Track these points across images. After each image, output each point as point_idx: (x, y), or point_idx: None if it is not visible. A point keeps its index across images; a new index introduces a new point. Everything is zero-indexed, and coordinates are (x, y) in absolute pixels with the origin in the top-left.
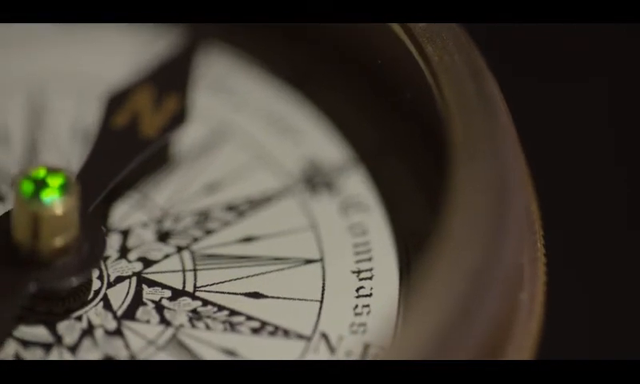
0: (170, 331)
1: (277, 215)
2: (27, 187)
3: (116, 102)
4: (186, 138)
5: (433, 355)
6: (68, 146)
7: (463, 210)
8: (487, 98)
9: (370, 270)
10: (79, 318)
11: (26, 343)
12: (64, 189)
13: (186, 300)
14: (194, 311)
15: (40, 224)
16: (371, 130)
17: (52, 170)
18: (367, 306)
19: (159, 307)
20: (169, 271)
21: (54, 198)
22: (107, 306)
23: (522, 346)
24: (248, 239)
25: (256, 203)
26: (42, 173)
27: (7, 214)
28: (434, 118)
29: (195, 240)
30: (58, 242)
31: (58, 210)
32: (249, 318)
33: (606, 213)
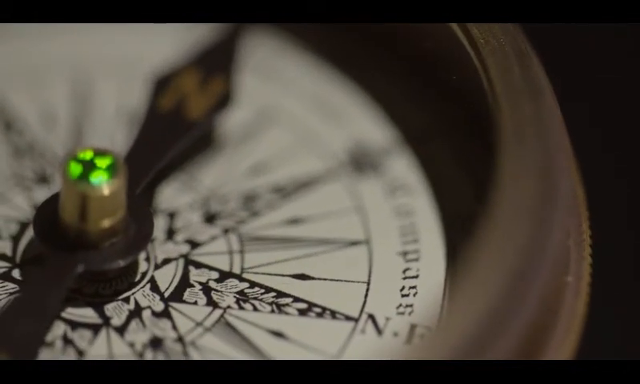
0: (217, 313)
1: (323, 197)
2: (75, 169)
3: (162, 84)
4: (232, 120)
5: (479, 336)
6: (113, 128)
7: (510, 193)
8: (533, 81)
9: (417, 251)
10: (127, 300)
11: (74, 324)
12: (112, 170)
13: (233, 281)
14: (242, 293)
15: (88, 206)
16: (417, 113)
17: (99, 152)
18: (414, 287)
19: (206, 289)
20: (216, 253)
21: (102, 180)
22: (154, 287)
23: (569, 328)
24: (294, 221)
25: (302, 185)
26: (89, 154)
27: (55, 197)
28: (480, 100)
29: (242, 222)
30: (106, 224)
31: (106, 191)
32: (296, 299)
33: None
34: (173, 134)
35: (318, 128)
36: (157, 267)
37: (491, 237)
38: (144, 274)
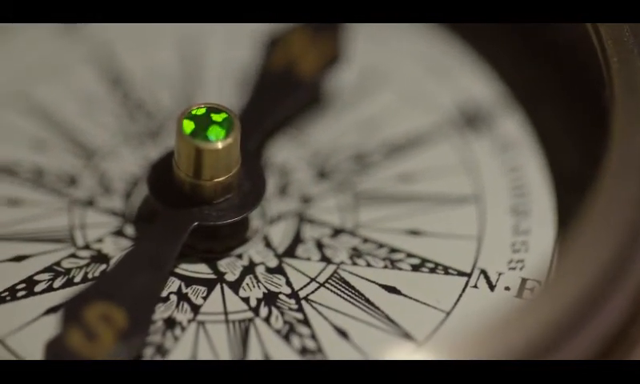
0: (330, 268)
1: (433, 153)
2: (189, 125)
3: (273, 44)
4: (341, 79)
5: (589, 292)
6: (225, 86)
7: (623, 148)
8: None
9: (527, 208)
10: (240, 256)
11: (188, 280)
12: (227, 126)
13: (346, 237)
14: (355, 248)
15: (203, 161)
16: (528, 72)
17: (214, 109)
18: (525, 242)
19: (319, 245)
20: (328, 209)
21: (217, 135)
22: (268, 243)
23: None
24: (405, 177)
25: (412, 142)
26: (203, 111)
27: (168, 155)
28: (590, 59)
29: (353, 178)
30: (220, 179)
31: (221, 147)
32: (409, 255)
33: None
34: (284, 92)
35: (428, 86)
36: (270, 223)
37: (604, 192)
38: (257, 230)
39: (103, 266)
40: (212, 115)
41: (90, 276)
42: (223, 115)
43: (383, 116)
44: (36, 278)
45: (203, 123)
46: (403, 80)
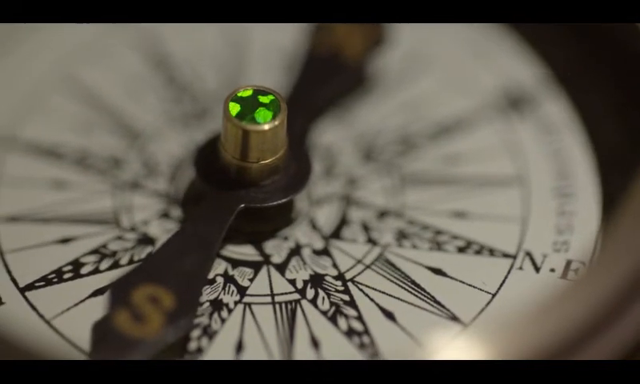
0: (376, 250)
1: (477, 136)
2: (236, 107)
3: (319, 27)
4: (386, 62)
5: (634, 272)
6: (270, 69)
7: None
8: None
9: (571, 190)
10: (286, 238)
11: (234, 262)
12: (273, 108)
13: (392, 219)
14: (400, 230)
15: (250, 143)
16: (571, 54)
17: (261, 91)
18: (569, 224)
19: (365, 226)
20: (373, 190)
21: (264, 117)
22: (314, 225)
23: None
24: (450, 160)
25: (457, 125)
26: (250, 93)
27: (214, 137)
28: (634, 40)
29: (398, 160)
30: (267, 161)
31: (268, 129)
32: (454, 237)
33: None
34: (329, 74)
35: (470, 68)
36: (316, 205)
37: None
38: (303, 212)
39: (149, 249)
40: (259, 97)
41: (136, 258)
42: (270, 97)
43: (428, 99)
44: (82, 260)
45: (250, 105)
46: (447, 63)
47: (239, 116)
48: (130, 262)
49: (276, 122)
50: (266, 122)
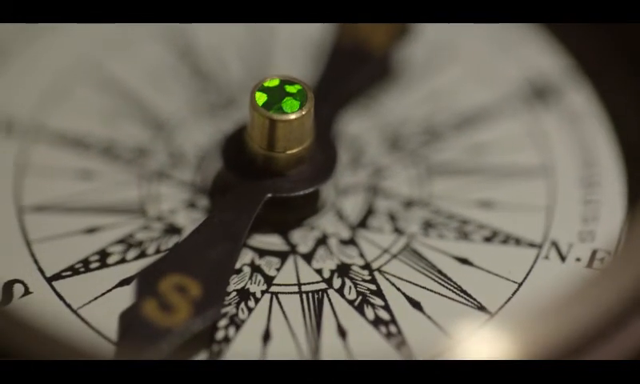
0: (403, 240)
1: (503, 126)
2: (262, 97)
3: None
4: (411, 52)
5: None
6: (295, 59)
7: None
8: None
9: (596, 179)
10: (313, 227)
11: (261, 252)
12: (300, 98)
13: (418, 209)
14: (426, 220)
15: (276, 133)
16: (595, 44)
17: (287, 81)
18: (595, 214)
19: (391, 216)
20: (400, 180)
21: (291, 107)
22: (340, 215)
23: None
24: (475, 149)
25: (482, 115)
26: (277, 83)
27: (242, 128)
28: None
29: (424, 150)
30: (293, 151)
31: (295, 118)
32: (480, 226)
33: None
34: (355, 65)
35: (495, 59)
36: (342, 194)
37: None
38: (330, 202)
39: (176, 238)
40: (286, 87)
41: (162, 248)
42: (297, 87)
43: (453, 89)
44: (109, 249)
45: (277, 95)
46: (472, 53)
47: (266, 106)
48: (157, 251)
49: (303, 112)
50: (293, 112)
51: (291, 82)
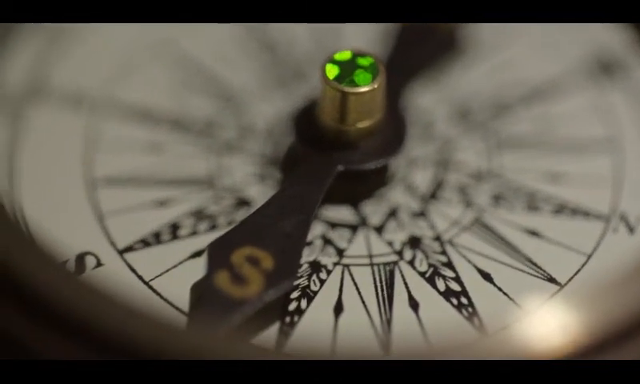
0: (472, 212)
1: (570, 100)
2: (333, 70)
3: None
4: (478, 28)
5: None
6: (365, 32)
7: None
8: None
9: None
10: (383, 199)
11: (332, 224)
12: (372, 71)
13: (488, 181)
14: (496, 192)
15: (347, 106)
16: None
17: (359, 53)
18: None
19: (461, 189)
20: (470, 153)
21: (363, 80)
22: (410, 187)
23: None
24: (543, 123)
25: (548, 88)
26: (349, 56)
27: (313, 101)
28: None
29: (493, 123)
30: (365, 124)
31: (366, 91)
32: (549, 198)
33: None
34: (424, 38)
35: (559, 34)
36: (412, 166)
37: None
38: (399, 174)
39: (246, 211)
40: (358, 59)
41: (233, 220)
42: (370, 59)
43: (519, 63)
44: (180, 222)
45: (348, 68)
46: (537, 28)
47: (337, 78)
48: (228, 224)
49: (375, 85)
50: (365, 85)
51: (363, 55)
